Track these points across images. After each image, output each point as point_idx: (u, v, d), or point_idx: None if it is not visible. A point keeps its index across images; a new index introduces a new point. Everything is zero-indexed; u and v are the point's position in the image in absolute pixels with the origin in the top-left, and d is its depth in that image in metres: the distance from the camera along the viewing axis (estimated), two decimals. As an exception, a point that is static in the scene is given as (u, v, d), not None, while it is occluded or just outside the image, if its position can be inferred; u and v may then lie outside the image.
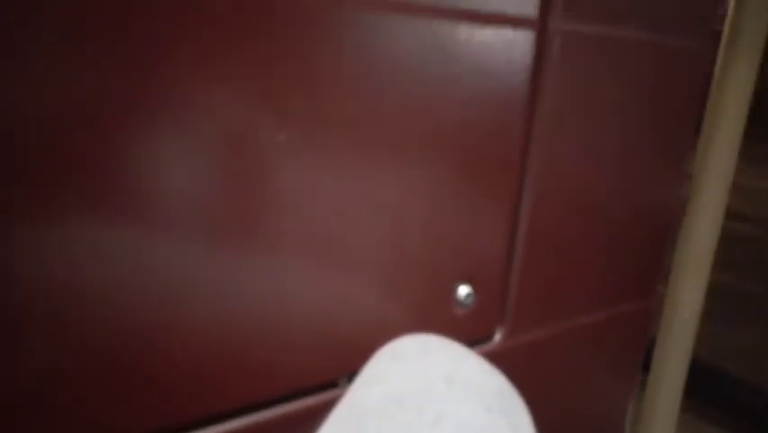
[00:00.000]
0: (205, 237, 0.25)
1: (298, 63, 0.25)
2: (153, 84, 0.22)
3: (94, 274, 0.22)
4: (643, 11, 0.38)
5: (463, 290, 0.34)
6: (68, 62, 0.20)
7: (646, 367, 0.55)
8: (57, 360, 0.22)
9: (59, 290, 0.22)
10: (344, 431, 0.21)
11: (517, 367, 0.30)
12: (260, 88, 0.24)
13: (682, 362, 0.57)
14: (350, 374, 0.31)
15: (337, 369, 0.31)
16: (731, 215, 0.56)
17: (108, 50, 0.21)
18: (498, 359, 0.29)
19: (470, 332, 0.36)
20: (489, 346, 0.37)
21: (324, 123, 0.27)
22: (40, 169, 0.20)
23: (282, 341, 0.28)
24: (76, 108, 0.21)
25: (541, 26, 0.33)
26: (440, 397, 0.22)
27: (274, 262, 0.27)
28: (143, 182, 0.23)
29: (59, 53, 0.20)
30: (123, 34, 0.21)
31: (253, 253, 0.26)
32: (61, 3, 0.19)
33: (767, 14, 0.49)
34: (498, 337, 0.38)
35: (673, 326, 0.56)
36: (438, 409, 0.21)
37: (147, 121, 0.22)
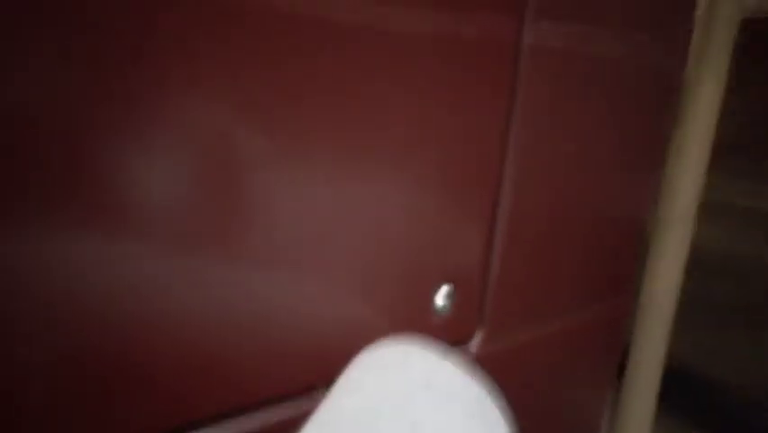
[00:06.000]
0: (179, 244, 0.24)
1: (274, 69, 0.25)
2: (126, 89, 0.21)
3: (66, 282, 0.21)
4: (615, 20, 0.38)
5: (442, 294, 0.34)
6: (37, 69, 0.19)
7: (620, 371, 0.56)
8: (25, 369, 0.21)
9: (27, 298, 0.21)
10: (321, 440, 0.21)
11: (496, 370, 0.30)
12: (235, 94, 0.24)
13: (657, 364, 0.58)
14: (328, 381, 0.30)
15: (315, 376, 0.30)
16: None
17: (81, 57, 0.20)
18: (477, 361, 0.29)
19: (448, 335, 0.36)
20: (467, 349, 0.37)
21: (301, 127, 0.26)
22: (9, 176, 0.20)
23: (258, 348, 0.28)
24: (46, 114, 0.20)
25: (516, 35, 0.33)
26: (418, 403, 0.21)
27: (249, 269, 0.26)
28: (119, 189, 0.22)
29: (26, 58, 0.19)
30: (94, 39, 0.20)
31: (229, 259, 0.26)
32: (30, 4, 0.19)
33: (734, 26, 0.51)
34: (476, 340, 0.38)
35: (647, 329, 0.57)
36: (416, 415, 0.21)
37: (121, 126, 0.21)
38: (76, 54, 0.20)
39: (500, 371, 0.36)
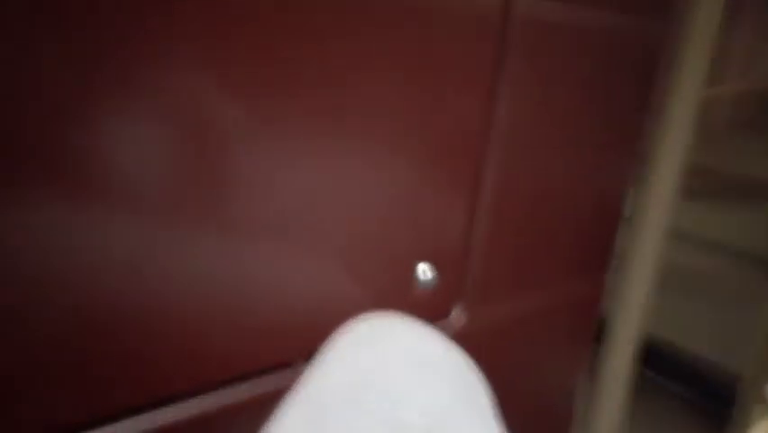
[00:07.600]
0: (160, 218, 0.23)
1: (258, 40, 0.24)
2: (109, 61, 0.20)
3: (45, 255, 0.21)
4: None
5: (423, 269, 0.34)
6: (24, 43, 0.18)
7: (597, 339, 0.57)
8: (5, 346, 0.21)
9: (9, 273, 0.20)
10: (306, 416, 0.20)
11: (475, 343, 0.31)
12: (223, 65, 0.23)
13: (633, 335, 0.59)
14: (307, 355, 0.30)
15: (295, 350, 0.30)
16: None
17: (65, 29, 0.19)
18: (456, 336, 0.29)
19: (429, 310, 0.36)
20: (447, 323, 0.37)
21: (285, 102, 0.26)
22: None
23: (238, 321, 0.27)
24: (32, 90, 0.19)
25: (504, 9, 0.32)
26: (401, 377, 0.21)
27: (230, 242, 0.26)
28: (103, 160, 0.21)
29: (15, 33, 0.18)
30: (77, 14, 0.19)
31: (209, 232, 0.25)
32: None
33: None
34: (456, 314, 0.38)
35: (625, 302, 0.58)
36: (399, 390, 0.21)
37: (103, 100, 0.20)
38: (50, 18, 0.19)
39: (479, 344, 0.36)
